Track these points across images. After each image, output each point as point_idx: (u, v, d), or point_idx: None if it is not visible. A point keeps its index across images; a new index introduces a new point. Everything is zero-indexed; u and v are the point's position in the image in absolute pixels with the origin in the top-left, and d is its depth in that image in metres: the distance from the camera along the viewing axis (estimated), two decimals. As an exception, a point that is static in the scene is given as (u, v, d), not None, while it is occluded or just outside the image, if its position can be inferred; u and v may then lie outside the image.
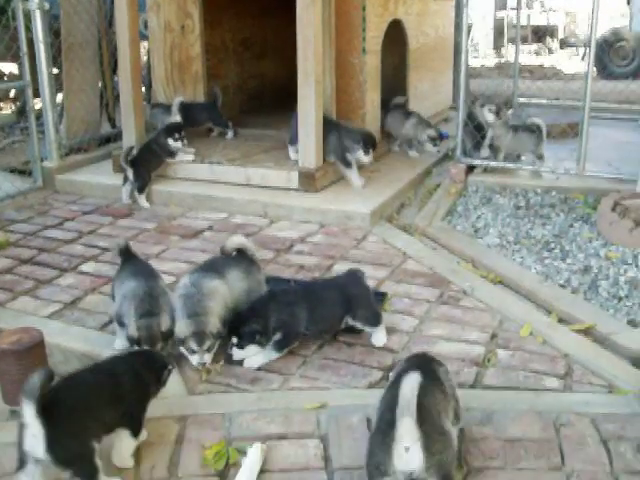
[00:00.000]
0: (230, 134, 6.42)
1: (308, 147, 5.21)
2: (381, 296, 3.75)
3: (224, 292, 3.20)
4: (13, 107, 8.73)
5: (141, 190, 5.36)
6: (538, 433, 2.62)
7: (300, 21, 4.98)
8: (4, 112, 8.75)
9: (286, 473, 2.49)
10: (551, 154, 5.81)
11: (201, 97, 6.50)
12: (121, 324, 3.18)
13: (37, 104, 5.90)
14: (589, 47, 5.36)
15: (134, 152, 5.47)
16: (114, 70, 6.80)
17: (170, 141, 5.54)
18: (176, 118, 5.91)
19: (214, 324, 3.07)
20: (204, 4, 6.28)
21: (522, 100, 7.67)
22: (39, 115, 5.91)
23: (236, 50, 7.33)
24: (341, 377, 3.06)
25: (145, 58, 7.58)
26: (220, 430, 2.70)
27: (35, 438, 2.21)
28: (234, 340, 3.11)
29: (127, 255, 3.54)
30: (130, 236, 4.75)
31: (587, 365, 3.08)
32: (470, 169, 5.76)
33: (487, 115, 5.69)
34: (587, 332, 3.37)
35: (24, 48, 5.54)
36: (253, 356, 3.15)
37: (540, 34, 14.81)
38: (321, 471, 2.48)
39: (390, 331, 3.39)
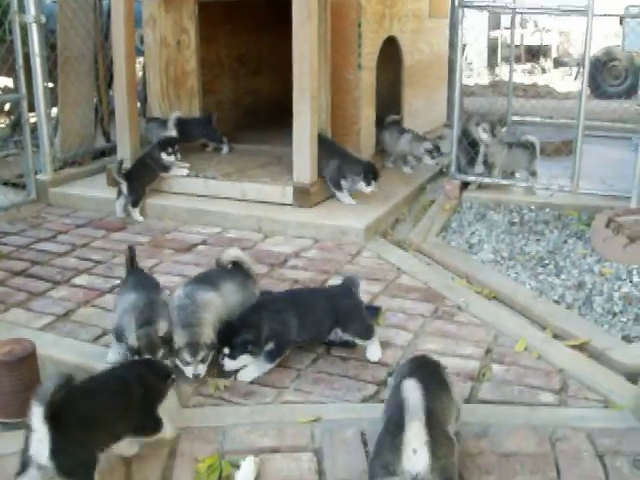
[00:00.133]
0: (225, 149, 6.43)
1: (303, 162, 5.21)
2: (375, 310, 3.74)
3: (218, 304, 3.19)
4: (7, 121, 8.71)
5: (135, 204, 5.35)
6: (534, 448, 2.60)
7: (296, 37, 5.00)
8: (-2, 126, 8.73)
9: (280, 486, 2.45)
10: (545, 171, 5.84)
11: (196, 112, 6.51)
12: (119, 339, 3.15)
13: (32, 118, 5.89)
14: (583, 66, 5.40)
15: (127, 165, 5.46)
16: (109, 84, 6.81)
17: (163, 155, 5.54)
18: (172, 133, 5.91)
19: (208, 335, 3.05)
20: (200, 19, 6.30)
21: (516, 118, 7.70)
22: (34, 129, 5.91)
23: (231, 66, 7.36)
24: (335, 391, 3.04)
25: (140, 73, 7.59)
26: (213, 443, 2.67)
27: (41, 443, 2.18)
28: (226, 351, 3.09)
29: (131, 267, 3.51)
30: (123, 249, 4.70)
31: (582, 380, 3.07)
32: (464, 185, 5.77)
33: (482, 135, 5.72)
34: (582, 347, 3.37)
35: (20, 61, 5.54)
36: (246, 369, 3.13)
37: (533, 53, 14.91)
38: (315, 485, 2.45)
39: (384, 345, 3.37)
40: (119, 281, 4.19)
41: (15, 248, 4.78)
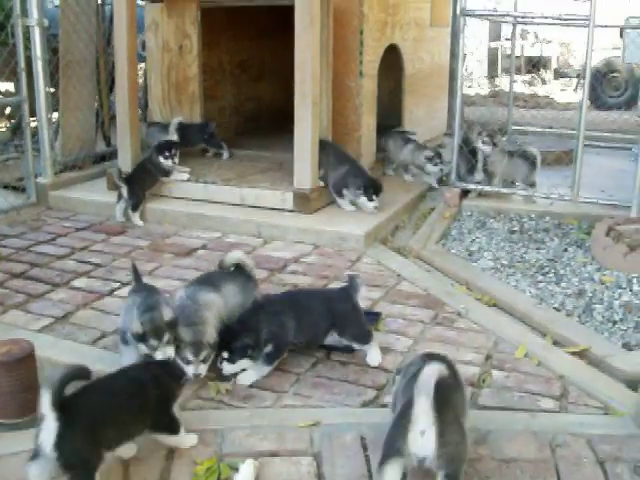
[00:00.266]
0: (225, 155, 6.43)
1: (303, 168, 5.21)
2: (375, 316, 3.73)
3: (219, 305, 3.18)
4: (8, 124, 8.71)
5: (135, 208, 5.34)
6: (534, 453, 2.59)
7: (298, 43, 5.01)
8: (-1, 130, 8.74)
9: (279, 490, 2.44)
10: (545, 180, 5.84)
11: (197, 118, 6.51)
12: (125, 341, 3.13)
13: (32, 122, 5.89)
14: (583, 77, 5.41)
15: (127, 170, 5.47)
16: (111, 89, 6.82)
17: (161, 159, 5.53)
18: (173, 137, 5.91)
19: (211, 334, 3.03)
20: (202, 25, 6.32)
21: (516, 128, 7.73)
22: (34, 133, 5.91)
23: (233, 72, 7.36)
24: (335, 395, 3.03)
25: (141, 80, 7.59)
26: (212, 446, 2.65)
27: (47, 431, 2.19)
28: (225, 355, 3.07)
29: (136, 280, 3.49)
30: (123, 253, 4.73)
31: (583, 387, 3.07)
32: (464, 194, 5.78)
33: (483, 146, 5.73)
34: (582, 355, 3.36)
35: (22, 64, 5.55)
36: (245, 373, 3.12)
37: (533, 64, 14.95)
38: (314, 489, 2.44)
39: (384, 351, 3.36)
40: (118, 284, 4.21)
41: (14, 250, 4.77)
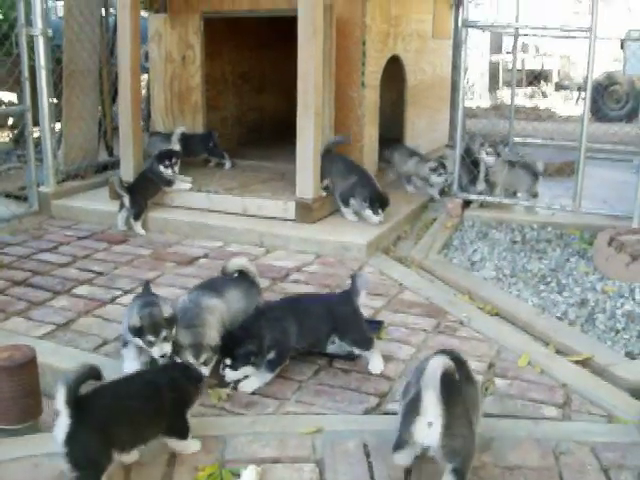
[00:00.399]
0: (228, 165, 6.44)
1: (306, 178, 5.21)
2: (377, 324, 3.73)
3: (222, 310, 3.17)
4: (10, 135, 8.75)
5: (137, 217, 5.35)
6: (537, 461, 2.58)
7: (301, 53, 5.03)
8: (1, 140, 8.77)
9: (281, 496, 2.43)
10: (546, 191, 5.85)
11: (200, 128, 6.54)
12: (126, 345, 3.13)
13: (35, 132, 5.91)
14: (585, 89, 5.43)
15: (129, 180, 5.47)
16: (114, 99, 6.84)
17: (161, 168, 5.54)
18: (175, 147, 5.92)
19: (212, 337, 3.03)
20: (205, 35, 6.35)
21: (518, 139, 7.74)
22: (37, 142, 5.93)
23: (235, 82, 7.40)
24: (337, 403, 3.02)
25: (144, 91, 7.62)
26: (214, 452, 2.64)
27: (60, 427, 2.23)
28: (227, 361, 3.06)
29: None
30: (125, 261, 4.73)
31: (586, 395, 3.06)
32: (466, 204, 5.79)
33: (487, 158, 5.75)
34: (585, 363, 3.35)
35: (26, 73, 5.57)
36: (247, 380, 3.11)
37: (535, 76, 15.00)
38: (316, 495, 2.43)
39: (387, 359, 3.35)
40: (120, 292, 4.21)
41: (16, 258, 4.78)
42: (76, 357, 3.38)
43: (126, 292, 4.17)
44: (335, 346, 3.33)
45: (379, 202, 5.20)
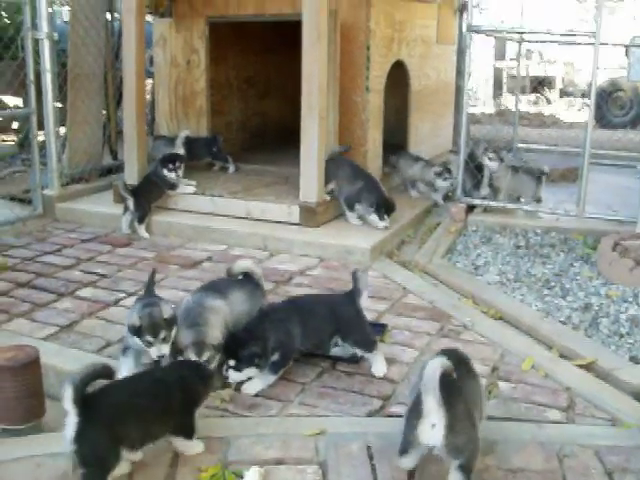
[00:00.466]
0: (232, 169, 6.45)
1: (310, 182, 5.22)
2: (381, 327, 3.72)
3: (225, 312, 3.17)
4: (15, 139, 8.77)
5: (141, 220, 5.35)
6: (541, 464, 2.57)
7: (306, 58, 5.04)
8: (6, 143, 8.80)
9: (284, 498, 2.43)
10: (550, 196, 5.85)
11: (204, 132, 6.54)
12: (125, 352, 3.13)
13: (40, 136, 5.91)
14: (589, 94, 5.44)
15: (134, 183, 5.49)
16: (118, 103, 6.86)
17: (165, 171, 5.55)
18: (179, 151, 5.93)
19: (214, 336, 3.02)
20: (210, 40, 6.36)
21: (522, 145, 7.75)
22: (42, 146, 5.94)
23: (240, 87, 7.41)
24: (340, 405, 3.01)
25: (148, 97, 7.64)
26: (217, 453, 2.64)
27: (69, 426, 2.24)
28: (231, 363, 3.06)
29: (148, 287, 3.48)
30: (128, 264, 4.74)
31: (590, 398, 3.05)
32: (470, 209, 5.79)
33: (490, 164, 5.76)
34: (589, 367, 3.34)
35: (31, 76, 5.59)
36: (251, 382, 3.10)
37: (539, 80, 15.01)
38: (319, 497, 2.42)
39: (390, 362, 3.35)
40: (124, 294, 4.21)
41: (20, 260, 4.78)
42: (79, 358, 3.37)
43: (130, 294, 4.17)
44: (338, 349, 3.33)
45: (385, 207, 5.21)
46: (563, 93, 16.12)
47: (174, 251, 5.05)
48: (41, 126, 5.86)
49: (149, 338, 2.95)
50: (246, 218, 5.42)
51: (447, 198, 6.26)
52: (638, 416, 2.87)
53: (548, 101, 15.17)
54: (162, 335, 2.96)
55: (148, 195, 5.48)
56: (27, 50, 5.57)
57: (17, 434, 2.79)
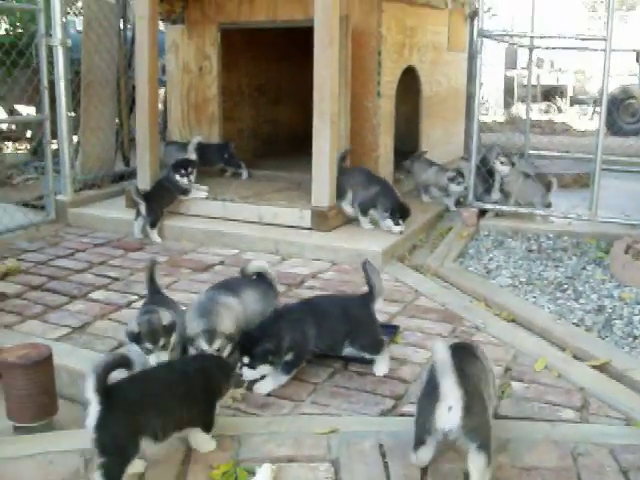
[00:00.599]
0: (244, 174, 6.48)
1: (322, 187, 5.22)
2: (393, 329, 3.71)
3: (238, 309, 3.17)
4: (28, 146, 8.84)
5: (153, 225, 5.38)
6: (555, 462, 2.55)
7: (317, 63, 5.05)
8: (20, 152, 8.88)
9: (296, 495, 2.42)
10: (563, 201, 5.84)
11: (216, 138, 6.58)
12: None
13: (53, 144, 5.96)
14: (600, 102, 5.43)
15: (146, 188, 5.51)
16: (131, 109, 6.90)
17: (177, 177, 5.58)
18: (192, 156, 5.96)
19: (226, 325, 3.01)
20: (222, 47, 6.40)
21: (533, 152, 7.74)
22: (55, 154, 5.97)
23: (252, 94, 7.45)
24: (352, 404, 3.00)
25: (160, 105, 7.69)
26: (229, 451, 2.63)
27: (91, 415, 2.25)
28: (245, 360, 3.06)
29: (151, 286, 3.49)
30: (141, 268, 4.74)
31: (603, 398, 3.02)
32: (482, 213, 5.78)
33: (501, 168, 5.76)
34: (602, 368, 3.31)
35: (45, 82, 5.63)
36: (263, 381, 3.10)
37: (549, 89, 15.01)
38: (332, 494, 2.41)
39: (402, 362, 3.35)
40: (136, 297, 4.23)
41: (33, 264, 4.81)
42: (91, 359, 3.38)
43: (141, 297, 4.17)
44: (351, 349, 3.32)
45: (400, 212, 5.21)
46: (574, 101, 16.10)
47: (186, 255, 5.07)
48: (54, 134, 5.91)
49: (148, 345, 2.96)
50: (258, 223, 5.43)
51: (458, 203, 6.25)
52: (653, 416, 2.85)
53: (559, 110, 15.15)
54: (161, 342, 2.97)
55: (160, 200, 5.50)
56: (41, 57, 5.63)
57: (29, 431, 2.79)
